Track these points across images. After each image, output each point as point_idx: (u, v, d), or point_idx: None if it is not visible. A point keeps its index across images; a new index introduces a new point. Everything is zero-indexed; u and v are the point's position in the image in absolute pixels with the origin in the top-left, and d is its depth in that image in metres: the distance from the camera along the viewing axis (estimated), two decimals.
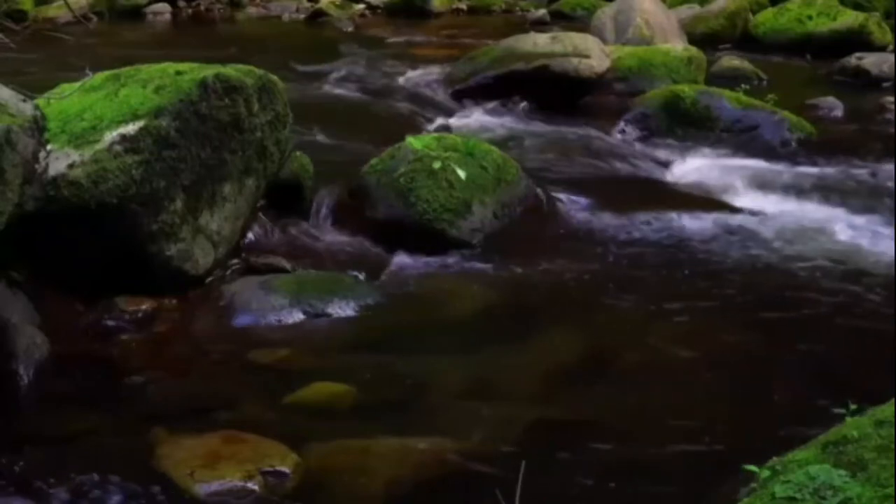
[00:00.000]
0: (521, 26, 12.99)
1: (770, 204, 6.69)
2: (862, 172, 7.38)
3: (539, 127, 8.25)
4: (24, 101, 4.66)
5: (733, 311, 5.24)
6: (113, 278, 4.98)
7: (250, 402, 4.30)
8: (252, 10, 15.43)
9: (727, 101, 8.32)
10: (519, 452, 3.75)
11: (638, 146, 8.03)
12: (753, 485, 2.95)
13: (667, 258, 5.85)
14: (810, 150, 7.95)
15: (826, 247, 6.00)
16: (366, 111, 8.60)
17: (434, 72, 9.58)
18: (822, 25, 11.93)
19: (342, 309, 5.09)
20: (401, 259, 5.70)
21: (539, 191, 6.44)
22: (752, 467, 3.00)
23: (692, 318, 5.15)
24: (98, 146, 4.88)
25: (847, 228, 6.27)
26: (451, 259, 5.74)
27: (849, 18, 11.90)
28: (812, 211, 6.57)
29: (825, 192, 6.91)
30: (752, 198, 6.84)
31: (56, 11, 13.14)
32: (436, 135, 6.96)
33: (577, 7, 14.74)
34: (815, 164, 7.58)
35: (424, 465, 3.84)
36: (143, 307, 4.97)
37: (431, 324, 5.13)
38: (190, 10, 15.16)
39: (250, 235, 5.64)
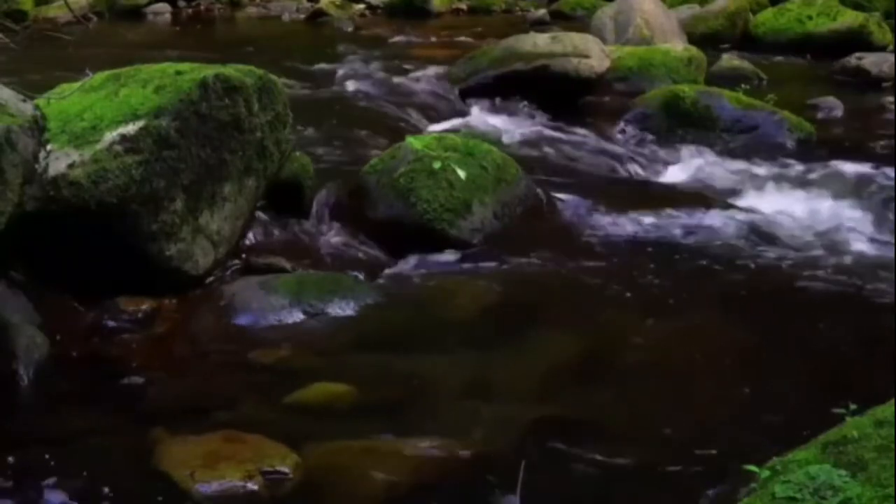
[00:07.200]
0: (521, 26, 12.97)
1: (770, 204, 6.69)
2: (862, 172, 7.37)
3: (539, 127, 8.24)
4: (24, 101, 4.67)
5: (733, 311, 5.24)
6: (113, 278, 4.98)
7: (250, 402, 4.30)
8: (252, 10, 15.42)
9: (727, 101, 8.31)
10: (519, 452, 3.75)
11: (638, 146, 8.03)
12: (753, 485, 2.95)
13: (667, 258, 5.85)
14: (810, 150, 7.94)
15: (826, 247, 5.99)
16: (366, 111, 8.58)
17: (434, 72, 9.56)
18: (822, 25, 11.91)
19: (342, 309, 5.09)
20: (401, 259, 5.70)
21: (539, 191, 6.44)
22: (752, 467, 3.00)
23: (692, 317, 5.16)
24: (98, 146, 4.88)
25: (847, 228, 6.26)
26: (451, 259, 5.74)
27: (849, 18, 11.88)
28: (812, 211, 6.56)
29: (825, 192, 6.90)
30: (752, 198, 6.85)
31: (56, 11, 13.14)
32: (436, 135, 6.97)
33: (577, 7, 14.73)
34: (814, 164, 7.57)
35: (424, 465, 3.84)
36: (143, 307, 4.96)
37: (431, 324, 5.12)
38: (190, 10, 15.16)
39: (250, 235, 5.64)
